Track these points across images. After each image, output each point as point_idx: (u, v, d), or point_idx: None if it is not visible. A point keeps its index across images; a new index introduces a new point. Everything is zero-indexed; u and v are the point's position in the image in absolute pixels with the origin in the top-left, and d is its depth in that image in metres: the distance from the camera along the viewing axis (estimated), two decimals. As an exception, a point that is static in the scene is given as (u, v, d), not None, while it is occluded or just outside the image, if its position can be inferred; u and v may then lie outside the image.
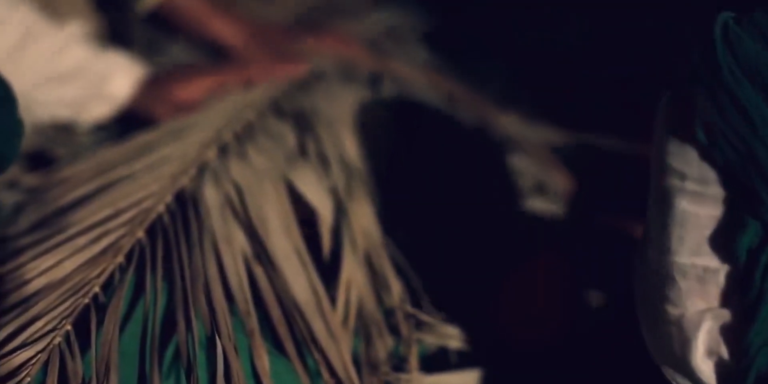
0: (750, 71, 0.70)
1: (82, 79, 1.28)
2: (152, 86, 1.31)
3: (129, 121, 1.29)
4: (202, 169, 1.04)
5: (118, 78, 1.30)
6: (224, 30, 1.41)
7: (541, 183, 1.25)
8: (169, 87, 1.30)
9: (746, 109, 0.70)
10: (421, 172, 1.18)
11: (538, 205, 1.20)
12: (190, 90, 1.30)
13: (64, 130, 1.26)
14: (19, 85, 1.18)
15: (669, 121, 0.75)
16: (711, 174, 0.72)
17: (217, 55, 1.42)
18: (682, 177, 0.73)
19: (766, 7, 0.73)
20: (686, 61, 0.75)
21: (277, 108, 1.22)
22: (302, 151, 1.13)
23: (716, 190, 0.73)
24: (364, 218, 1.05)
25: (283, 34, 1.47)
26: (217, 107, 1.21)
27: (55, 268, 0.91)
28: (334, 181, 1.08)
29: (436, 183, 1.17)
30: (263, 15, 1.58)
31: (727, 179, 0.72)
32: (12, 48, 1.24)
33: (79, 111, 1.29)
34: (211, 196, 1.00)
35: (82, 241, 0.94)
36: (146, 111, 1.30)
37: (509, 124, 1.36)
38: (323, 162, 1.11)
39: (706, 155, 0.72)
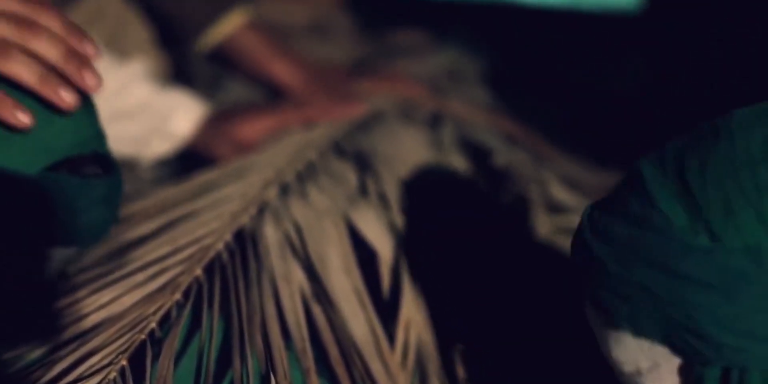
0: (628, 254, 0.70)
1: (144, 116, 1.29)
2: (214, 125, 1.31)
3: (190, 159, 1.30)
4: (262, 208, 1.04)
5: (180, 115, 1.31)
6: (283, 71, 1.41)
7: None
8: (231, 126, 1.31)
9: (650, 288, 0.68)
10: (480, 212, 1.18)
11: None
12: (251, 130, 1.30)
13: (126, 166, 1.26)
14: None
15: (592, 321, 0.74)
16: (656, 351, 0.70)
17: (275, 94, 1.43)
18: (637, 367, 0.72)
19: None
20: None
21: (338, 148, 1.22)
22: (363, 191, 1.13)
23: (668, 364, 0.71)
24: (423, 258, 1.04)
25: (341, 74, 1.48)
26: (278, 147, 1.22)
27: (113, 304, 0.91)
28: (394, 220, 1.08)
29: (495, 223, 1.16)
30: (322, 56, 1.59)
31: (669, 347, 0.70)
32: None
33: (141, 148, 1.29)
34: (270, 234, 1.00)
35: (140, 277, 0.94)
36: (208, 149, 1.31)
37: (568, 165, 1.36)
38: (383, 201, 1.10)
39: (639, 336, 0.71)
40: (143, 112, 1.29)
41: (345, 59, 1.61)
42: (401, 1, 1.86)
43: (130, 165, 1.28)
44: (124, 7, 1.41)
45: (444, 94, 1.50)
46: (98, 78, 0.85)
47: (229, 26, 1.39)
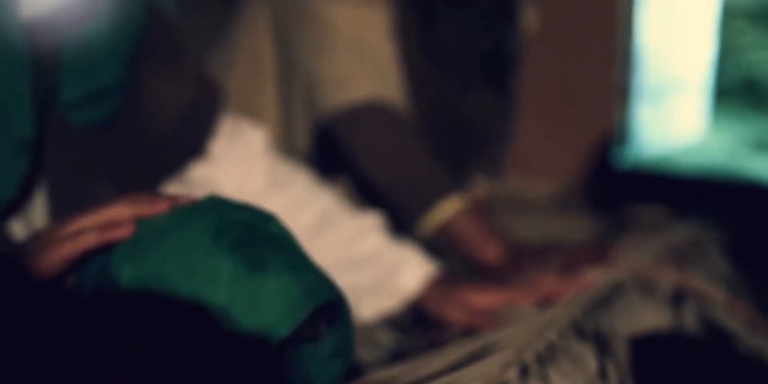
0: None
1: (373, 267, 1.31)
2: (444, 287, 1.32)
3: (417, 317, 1.31)
4: (503, 388, 1.05)
5: (409, 271, 1.32)
6: (491, 255, 1.42)
7: None
8: (464, 293, 1.31)
9: None
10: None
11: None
12: (484, 299, 1.30)
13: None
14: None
15: None
16: None
17: (486, 273, 1.43)
18: None
19: None
20: None
21: (578, 327, 1.22)
22: (603, 375, 1.12)
23: None
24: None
25: (564, 255, 1.46)
26: (518, 325, 1.22)
27: None
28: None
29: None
30: (559, 230, 1.59)
31: None
32: (309, 230, 1.28)
33: (366, 300, 1.30)
34: (512, 416, 1.01)
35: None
36: (439, 312, 1.31)
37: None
38: (623, 388, 1.10)
39: None
40: (372, 263, 1.32)
41: (583, 233, 1.62)
42: (643, 178, 1.87)
43: (355, 317, 1.29)
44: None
45: (685, 264, 1.48)
46: None
47: (445, 213, 1.41)
